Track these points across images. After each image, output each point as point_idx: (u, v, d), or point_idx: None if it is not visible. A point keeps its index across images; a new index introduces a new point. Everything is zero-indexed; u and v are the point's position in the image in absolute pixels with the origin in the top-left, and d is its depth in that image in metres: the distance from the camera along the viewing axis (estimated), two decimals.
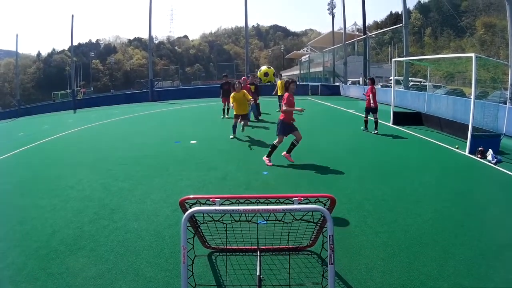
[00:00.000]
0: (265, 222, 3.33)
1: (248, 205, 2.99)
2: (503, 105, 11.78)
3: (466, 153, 8.78)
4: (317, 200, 3.09)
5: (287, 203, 2.99)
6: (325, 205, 3.11)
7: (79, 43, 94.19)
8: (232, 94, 10.67)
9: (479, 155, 8.41)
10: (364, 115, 12.03)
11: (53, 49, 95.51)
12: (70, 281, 3.64)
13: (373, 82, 12.01)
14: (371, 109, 11.54)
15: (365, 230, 4.63)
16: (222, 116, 15.84)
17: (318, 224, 3.54)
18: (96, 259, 4.03)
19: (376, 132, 11.42)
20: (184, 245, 2.73)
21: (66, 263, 3.98)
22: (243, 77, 13.38)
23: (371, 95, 11.43)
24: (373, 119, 11.57)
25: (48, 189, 6.77)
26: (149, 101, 31.38)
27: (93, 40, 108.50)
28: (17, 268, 3.93)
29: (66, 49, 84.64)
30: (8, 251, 4.35)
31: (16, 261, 4.09)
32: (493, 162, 7.92)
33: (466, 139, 8.97)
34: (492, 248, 4.12)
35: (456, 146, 9.40)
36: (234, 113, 10.83)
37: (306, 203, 2.94)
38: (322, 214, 2.86)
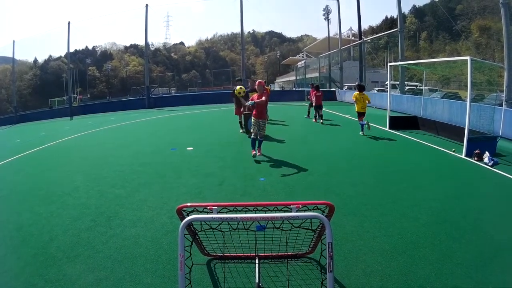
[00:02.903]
0: (264, 226, 3.28)
1: (246, 213, 2.97)
2: (499, 108, 11.84)
3: (463, 156, 8.81)
4: (316, 208, 3.06)
5: (285, 211, 2.97)
6: (323, 212, 3.07)
7: (76, 50, 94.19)
8: None
9: (475, 158, 8.44)
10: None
11: (50, 56, 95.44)
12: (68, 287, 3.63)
13: (317, 88, 16.20)
14: (317, 106, 15.90)
15: (362, 235, 4.62)
16: (241, 130, 13.25)
17: (317, 232, 3.51)
18: (93, 266, 4.01)
19: (321, 122, 15.59)
20: (181, 253, 2.72)
21: (63, 270, 3.96)
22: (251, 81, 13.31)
23: (314, 97, 15.91)
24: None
25: (45, 196, 6.74)
26: (146, 108, 31.43)
27: (90, 47, 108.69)
28: (14, 275, 3.91)
29: (63, 55, 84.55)
30: (6, 257, 4.34)
31: (13, 267, 4.08)
32: (489, 164, 7.96)
33: (463, 142, 9.00)
34: (490, 250, 4.13)
35: (453, 149, 9.42)
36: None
37: (305, 211, 2.93)
38: (321, 222, 2.84)
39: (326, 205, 3.06)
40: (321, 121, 15.71)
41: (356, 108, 12.61)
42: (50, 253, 4.38)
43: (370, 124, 12.54)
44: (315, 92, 15.96)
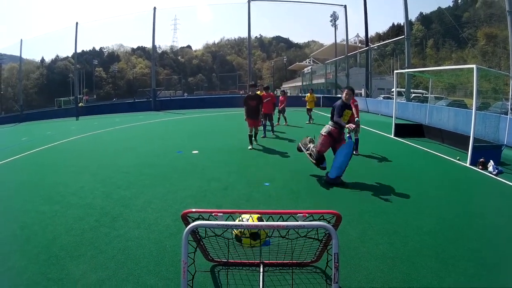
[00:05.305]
0: (269, 243, 3.24)
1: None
2: (504, 116, 11.80)
3: (467, 164, 8.78)
4: (322, 217, 3.01)
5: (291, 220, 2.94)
6: (329, 222, 2.98)
7: (83, 51, 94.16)
8: None
9: (480, 166, 8.41)
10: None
11: (57, 56, 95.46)
12: (70, 287, 3.64)
13: (285, 93, 19.17)
14: (281, 110, 17.22)
15: (365, 242, 4.61)
16: (249, 147, 11.04)
17: (323, 241, 3.46)
18: (96, 266, 4.03)
19: (277, 124, 16.40)
20: (184, 260, 2.71)
21: (66, 269, 3.98)
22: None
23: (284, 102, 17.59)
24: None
25: (50, 195, 6.79)
26: (152, 110, 31.56)
27: (97, 48, 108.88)
28: (17, 272, 3.94)
29: (70, 56, 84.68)
30: (9, 255, 4.36)
31: (16, 265, 4.10)
32: (494, 173, 7.92)
33: (467, 150, 8.98)
34: (493, 259, 4.11)
35: (458, 157, 9.39)
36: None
37: (311, 220, 2.91)
38: (327, 231, 2.80)
39: (333, 215, 3.00)
40: (277, 124, 16.88)
41: (310, 105, 18.49)
42: (54, 252, 4.40)
43: (312, 118, 18.66)
44: (284, 97, 17.95)
